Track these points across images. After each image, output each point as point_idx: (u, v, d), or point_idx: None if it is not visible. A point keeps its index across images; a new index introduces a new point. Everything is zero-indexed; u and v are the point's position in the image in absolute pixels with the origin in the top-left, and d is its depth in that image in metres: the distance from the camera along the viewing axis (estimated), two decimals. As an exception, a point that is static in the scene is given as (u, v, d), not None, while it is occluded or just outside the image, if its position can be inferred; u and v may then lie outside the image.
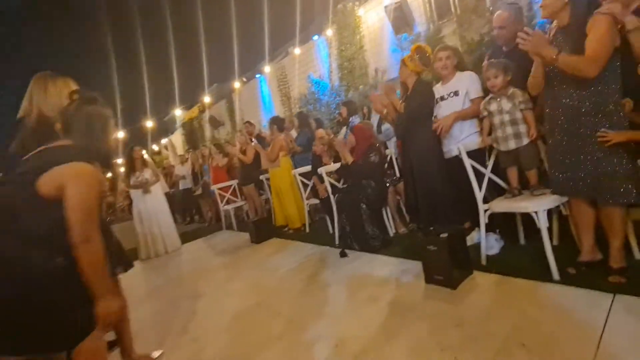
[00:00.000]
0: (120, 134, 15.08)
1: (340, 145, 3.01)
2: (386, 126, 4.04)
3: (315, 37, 11.33)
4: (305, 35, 12.48)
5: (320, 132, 5.28)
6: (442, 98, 2.49)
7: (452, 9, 7.57)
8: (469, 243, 2.42)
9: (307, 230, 4.22)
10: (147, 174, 4.80)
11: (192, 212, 8.18)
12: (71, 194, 1.12)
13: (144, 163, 4.88)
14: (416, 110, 2.49)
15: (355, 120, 3.92)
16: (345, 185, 3.31)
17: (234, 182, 5.85)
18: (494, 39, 2.38)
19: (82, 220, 1.12)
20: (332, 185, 3.46)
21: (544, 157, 2.02)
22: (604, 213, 1.66)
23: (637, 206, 1.67)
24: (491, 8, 5.07)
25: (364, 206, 2.95)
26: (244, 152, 5.31)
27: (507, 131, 1.97)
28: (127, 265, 2.02)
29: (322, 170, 3.40)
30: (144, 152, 5.60)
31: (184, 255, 4.54)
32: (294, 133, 5.38)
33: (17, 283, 1.03)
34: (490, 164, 2.20)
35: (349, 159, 2.99)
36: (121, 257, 2.01)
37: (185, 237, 5.40)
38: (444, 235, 1.90)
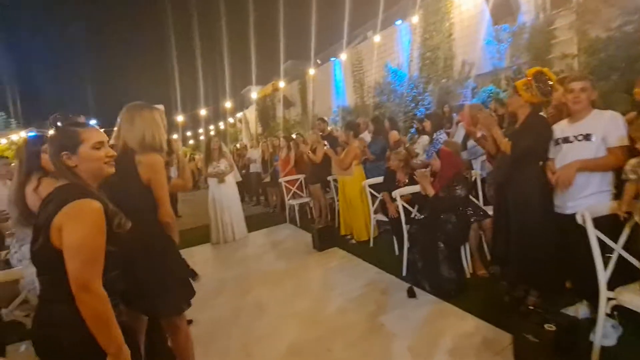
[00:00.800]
0: (202, 112, 16.34)
1: (421, 177, 2.71)
2: (472, 143, 3.58)
3: (399, 22, 10.56)
4: (387, 19, 11.72)
5: (395, 134, 4.95)
6: (566, 140, 2.01)
7: (573, -4, 6.29)
8: (571, 313, 2.03)
9: (372, 244, 4.05)
10: (223, 165, 5.04)
11: (259, 195, 8.54)
12: (66, 238, 1.04)
13: (221, 153, 5.12)
14: (526, 151, 2.06)
15: (441, 137, 3.51)
16: (421, 217, 3.02)
17: (301, 177, 5.88)
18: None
19: (79, 267, 1.03)
20: (404, 207, 3.20)
21: None
22: None
23: None
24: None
25: (442, 245, 2.65)
26: (314, 150, 5.25)
27: (663, 209, 1.50)
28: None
29: (397, 193, 3.14)
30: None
31: (249, 248, 4.74)
32: (367, 136, 5.12)
33: None
34: (623, 237, 1.74)
35: (430, 192, 2.68)
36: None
37: (251, 222, 5.62)
38: (551, 327, 1.56)
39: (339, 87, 14.13)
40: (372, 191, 3.98)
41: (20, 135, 11.64)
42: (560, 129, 2.06)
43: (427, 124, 3.77)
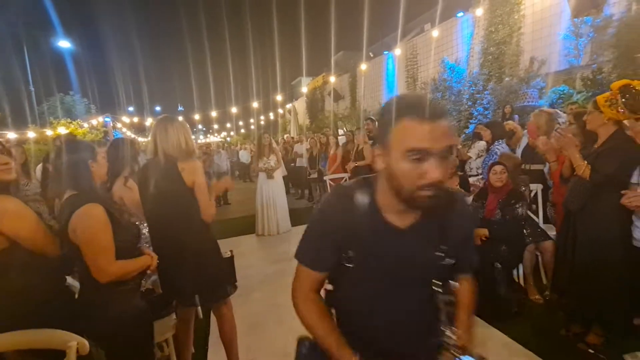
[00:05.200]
0: (255, 104, 16.94)
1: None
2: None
3: (460, 15, 9.91)
4: (446, 11, 11.05)
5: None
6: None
7: (677, -17, 5.37)
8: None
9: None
10: (273, 161, 5.21)
11: (303, 189, 8.71)
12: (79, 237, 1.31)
13: (271, 150, 5.29)
14: (608, 177, 1.83)
15: (498, 148, 3.27)
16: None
17: (346, 176, 5.88)
18: None
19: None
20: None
21: None
22: None
23: None
24: None
25: (499, 265, 2.49)
26: (360, 151, 5.22)
27: None
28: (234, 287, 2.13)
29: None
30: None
31: (292, 243, 4.87)
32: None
33: None
34: None
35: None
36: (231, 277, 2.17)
37: (295, 216, 5.74)
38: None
39: (391, 82, 13.72)
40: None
41: (98, 120, 13.09)
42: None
43: (487, 134, 3.49)
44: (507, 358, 2.08)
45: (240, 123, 26.50)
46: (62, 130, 11.62)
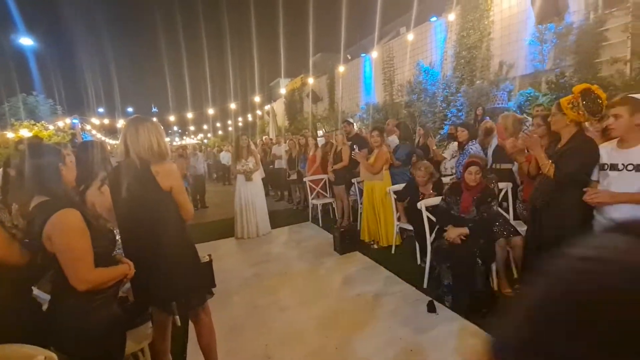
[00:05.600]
0: (232, 105, 16.68)
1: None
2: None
3: (433, 19, 10.21)
4: (420, 15, 11.33)
5: (432, 141, 4.85)
6: (614, 167, 1.88)
7: (630, -5, 5.79)
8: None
9: (393, 251, 4.02)
10: (251, 163, 5.15)
11: (282, 191, 8.66)
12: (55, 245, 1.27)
13: (250, 152, 5.22)
14: (569, 176, 1.95)
15: (472, 149, 3.39)
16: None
17: (325, 177, 5.90)
18: None
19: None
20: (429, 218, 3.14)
21: None
22: None
23: None
24: None
25: (480, 261, 2.57)
26: (339, 152, 5.25)
27: None
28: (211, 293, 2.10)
29: (422, 204, 3.09)
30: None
31: (272, 245, 4.84)
32: (395, 139, 5.04)
33: None
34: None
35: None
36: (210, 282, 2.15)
37: (274, 218, 5.73)
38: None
39: (368, 84, 13.91)
40: (396, 197, 3.94)
41: (65, 122, 12.45)
42: (607, 153, 1.92)
43: (464, 134, 3.61)
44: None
45: (218, 124, 25.99)
46: (25, 133, 10.97)
